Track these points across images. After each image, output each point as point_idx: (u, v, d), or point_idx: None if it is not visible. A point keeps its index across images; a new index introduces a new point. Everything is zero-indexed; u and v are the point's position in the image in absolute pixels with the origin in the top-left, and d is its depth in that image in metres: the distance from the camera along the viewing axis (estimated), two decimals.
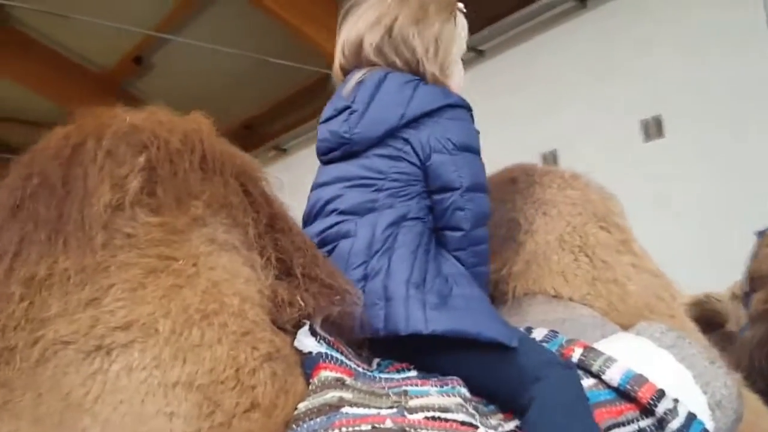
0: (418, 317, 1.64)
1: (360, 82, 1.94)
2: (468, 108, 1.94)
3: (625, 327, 1.98)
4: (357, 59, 1.99)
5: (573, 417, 1.60)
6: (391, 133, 1.87)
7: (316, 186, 1.97)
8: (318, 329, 1.57)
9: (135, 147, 1.49)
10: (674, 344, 1.83)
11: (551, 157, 7.29)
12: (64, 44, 11.07)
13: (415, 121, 1.87)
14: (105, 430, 1.28)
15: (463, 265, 1.85)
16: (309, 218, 1.93)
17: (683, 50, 6.72)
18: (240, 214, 1.56)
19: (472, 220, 1.86)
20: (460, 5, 2.05)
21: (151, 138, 1.50)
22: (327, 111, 2.00)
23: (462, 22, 2.06)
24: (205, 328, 1.41)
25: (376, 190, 1.85)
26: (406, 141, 1.87)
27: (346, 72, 2.02)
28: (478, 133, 1.94)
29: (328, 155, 1.97)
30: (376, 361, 1.69)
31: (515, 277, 2.10)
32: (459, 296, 1.72)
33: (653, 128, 6.98)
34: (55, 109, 12.40)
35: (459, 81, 2.03)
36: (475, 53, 8.26)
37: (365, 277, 1.73)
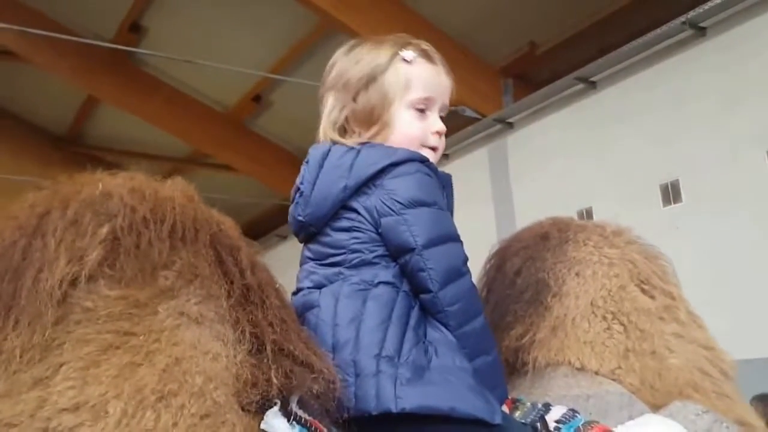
0: (388, 395, 1.50)
1: (307, 162, 1.85)
2: (420, 159, 1.78)
3: (660, 406, 1.74)
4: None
5: None
6: (341, 205, 1.75)
7: (300, 265, 1.87)
8: (295, 408, 1.44)
9: (101, 216, 1.41)
10: (710, 429, 1.60)
11: (673, 188, 6.92)
12: (189, 85, 11.47)
13: (361, 188, 1.74)
14: None
15: (448, 328, 1.67)
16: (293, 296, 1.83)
17: None
18: (213, 285, 1.46)
19: (438, 278, 1.68)
20: (404, 53, 1.87)
21: (118, 206, 1.42)
22: (291, 193, 1.91)
23: (408, 71, 1.86)
24: (161, 411, 1.30)
25: (340, 264, 1.73)
26: (356, 211, 1.74)
27: None
28: (436, 180, 1.79)
29: (298, 237, 1.90)
30: None
31: (538, 346, 1.89)
32: (437, 368, 1.56)
33: None
34: (183, 146, 12.94)
35: (408, 130, 1.85)
36: (586, 84, 7.99)
37: (333, 349, 1.59)
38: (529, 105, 8.80)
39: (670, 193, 6.95)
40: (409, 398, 1.50)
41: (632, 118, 7.43)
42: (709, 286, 6.03)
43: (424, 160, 1.79)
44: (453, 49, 8.67)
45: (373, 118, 1.85)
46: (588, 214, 7.46)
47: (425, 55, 1.89)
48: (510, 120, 9.10)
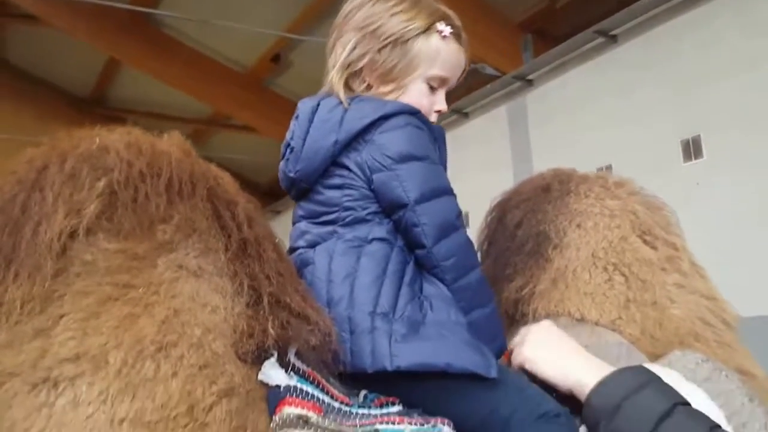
0: (383, 352, 1.50)
1: (296, 117, 1.82)
2: (410, 112, 1.75)
3: (661, 356, 1.74)
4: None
5: None
6: (332, 162, 1.73)
7: (293, 223, 1.86)
8: (293, 359, 1.46)
9: (98, 170, 1.41)
10: (709, 377, 1.58)
11: (694, 143, 6.82)
12: (208, 46, 11.39)
13: (352, 143, 1.71)
14: None
15: (444, 282, 1.67)
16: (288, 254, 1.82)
17: None
18: (211, 239, 1.47)
19: (432, 233, 1.66)
20: (441, 27, 1.82)
21: (115, 161, 1.43)
22: (281, 149, 1.88)
23: (439, 45, 1.83)
24: (160, 361, 1.32)
25: (333, 223, 1.72)
26: (348, 168, 1.72)
27: None
28: (428, 133, 1.76)
29: (290, 194, 1.88)
30: (363, 393, 1.55)
31: (538, 297, 1.88)
32: (432, 323, 1.56)
33: None
34: (204, 108, 12.94)
35: (419, 101, 1.82)
36: (606, 38, 7.85)
37: (328, 305, 1.59)
38: (548, 61, 8.63)
39: (691, 149, 6.85)
40: (404, 356, 1.49)
41: (653, 72, 7.29)
42: (729, 242, 5.99)
43: (414, 112, 1.76)
44: (472, 6, 8.52)
45: (390, 76, 1.82)
46: (608, 170, 7.37)
47: (457, 34, 1.86)
48: (530, 77, 8.96)
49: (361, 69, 1.83)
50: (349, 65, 1.82)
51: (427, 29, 1.82)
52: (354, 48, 1.82)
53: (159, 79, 11.70)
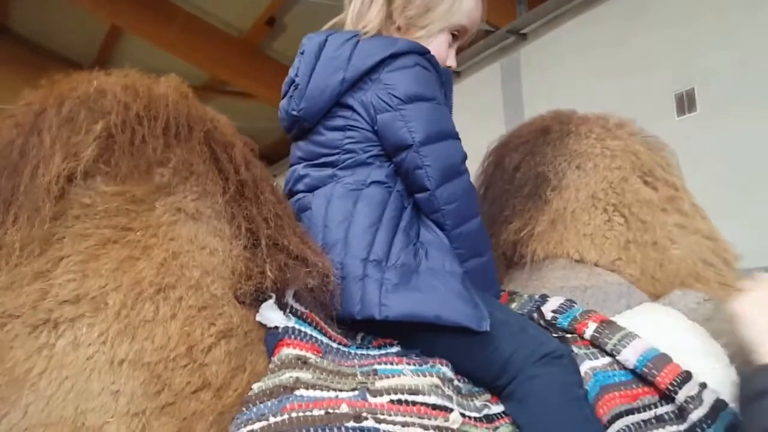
0: (372, 301, 1.47)
1: (302, 53, 1.75)
2: (419, 51, 1.69)
3: (662, 296, 1.72)
4: None
5: (559, 420, 1.42)
6: (336, 101, 1.67)
7: (290, 165, 1.82)
8: (290, 301, 1.45)
9: (96, 113, 1.39)
10: (711, 317, 1.56)
11: (688, 96, 6.70)
12: (203, 8, 11.14)
13: (358, 82, 1.66)
14: (48, 407, 1.22)
15: (443, 228, 1.63)
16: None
17: None
18: (209, 182, 1.45)
19: (436, 176, 1.62)
20: None
21: (112, 103, 1.40)
22: (284, 86, 1.82)
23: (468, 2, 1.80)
24: (159, 303, 1.32)
25: (333, 165, 1.68)
26: (352, 108, 1.66)
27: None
28: (435, 75, 1.72)
29: (289, 134, 1.83)
30: (360, 335, 1.55)
31: (536, 239, 1.86)
32: (426, 272, 1.52)
33: None
34: (201, 74, 12.82)
35: (439, 50, 1.79)
36: None
37: (323, 250, 1.55)
38: (543, 14, 8.42)
39: (685, 103, 6.73)
40: (393, 305, 1.47)
41: (647, 25, 7.14)
42: (722, 197, 5.92)
43: (424, 52, 1.71)
44: None
45: (424, 20, 1.78)
46: None
47: None
48: (523, 31, 8.75)
49: (397, 8, 1.78)
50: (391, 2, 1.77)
51: None
52: None
53: (157, 45, 11.52)
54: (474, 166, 1.87)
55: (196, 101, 1.51)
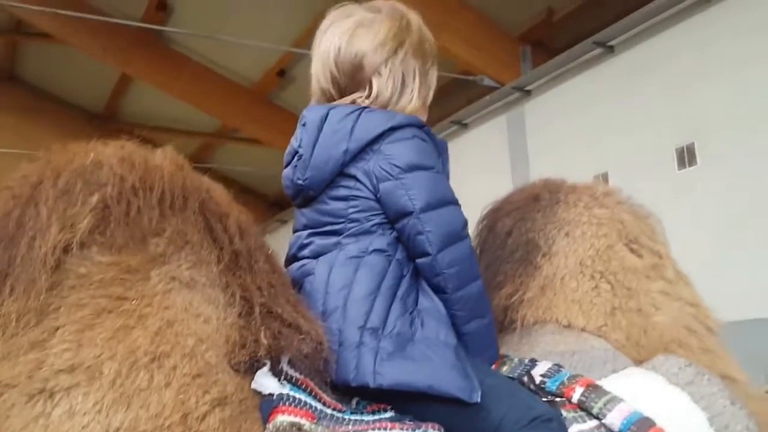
0: (367, 369, 1.48)
1: (303, 124, 1.79)
2: (418, 125, 1.74)
3: (645, 361, 1.73)
4: (352, 80, 1.80)
5: None
6: (340, 171, 1.70)
7: (294, 231, 1.84)
8: (285, 367, 1.45)
9: (92, 185, 1.42)
10: (692, 381, 1.57)
11: (688, 151, 6.79)
12: (215, 61, 11.48)
13: (361, 153, 1.69)
14: None
15: (444, 291, 1.65)
16: (287, 263, 1.80)
17: None
18: (203, 251, 1.46)
19: (437, 241, 1.65)
20: None
21: (108, 175, 1.43)
22: (286, 156, 1.85)
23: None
24: (154, 371, 1.31)
25: (338, 234, 1.70)
26: (355, 178, 1.70)
27: (328, 94, 1.84)
28: (433, 146, 1.76)
29: (294, 201, 1.85)
30: (355, 399, 1.54)
31: (527, 304, 1.87)
32: (420, 341, 1.53)
33: None
34: (212, 121, 12.98)
35: (424, 117, 1.86)
36: (604, 49, 7.82)
37: (323, 316, 1.57)
38: (546, 72, 8.62)
39: (686, 157, 6.83)
40: (387, 374, 1.48)
41: (649, 82, 7.27)
42: (723, 247, 5.96)
43: (421, 126, 1.75)
44: (472, 18, 8.52)
45: (429, 98, 1.89)
46: (604, 178, 7.35)
47: None
48: (528, 88, 8.94)
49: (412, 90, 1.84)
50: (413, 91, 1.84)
51: None
52: (416, 74, 1.83)
53: (168, 94, 11.76)
54: (481, 210, 1.90)
55: (192, 172, 1.54)
